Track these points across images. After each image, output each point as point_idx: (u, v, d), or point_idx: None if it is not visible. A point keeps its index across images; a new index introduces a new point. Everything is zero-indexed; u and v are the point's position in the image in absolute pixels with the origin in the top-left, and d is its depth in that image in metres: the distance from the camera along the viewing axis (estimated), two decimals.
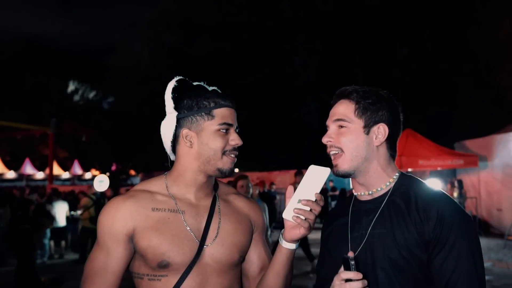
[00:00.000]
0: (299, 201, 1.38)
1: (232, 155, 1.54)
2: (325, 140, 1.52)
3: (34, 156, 33.44)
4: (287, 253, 1.47)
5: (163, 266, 1.44)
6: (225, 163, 1.52)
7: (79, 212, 10.89)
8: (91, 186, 11.65)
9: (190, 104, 1.51)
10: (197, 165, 1.52)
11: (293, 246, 1.46)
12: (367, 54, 24.27)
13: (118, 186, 16.60)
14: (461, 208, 1.40)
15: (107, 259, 1.46)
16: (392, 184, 1.49)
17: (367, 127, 1.47)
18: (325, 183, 1.62)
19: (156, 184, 1.57)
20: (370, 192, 1.51)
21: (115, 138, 33.14)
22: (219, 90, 1.60)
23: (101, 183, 12.16)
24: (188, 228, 1.50)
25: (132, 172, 35.91)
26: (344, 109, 1.50)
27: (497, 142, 12.47)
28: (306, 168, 1.49)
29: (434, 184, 12.60)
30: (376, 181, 1.50)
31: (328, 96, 1.65)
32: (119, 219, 1.46)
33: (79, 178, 33.47)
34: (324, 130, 1.57)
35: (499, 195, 11.89)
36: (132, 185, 28.71)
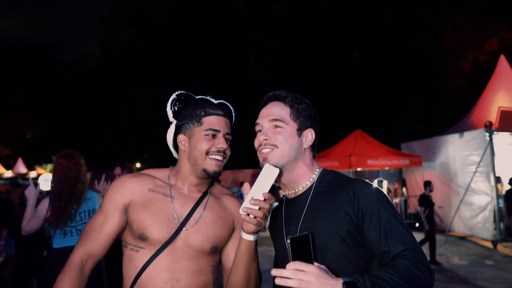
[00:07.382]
0: (252, 199, 1.44)
1: (217, 157, 1.74)
2: (261, 138, 1.60)
3: None
4: (246, 243, 1.57)
5: (142, 238, 1.68)
6: (210, 164, 1.73)
7: None
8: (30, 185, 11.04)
9: (186, 113, 1.79)
10: (188, 165, 1.77)
11: (251, 237, 1.56)
12: (319, 56, 24.79)
13: None
14: (375, 186, 1.53)
15: (104, 221, 1.74)
16: (315, 179, 1.62)
17: (300, 130, 1.62)
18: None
19: (161, 173, 1.85)
20: (296, 191, 1.63)
21: (63, 135, 31.89)
22: (226, 103, 1.86)
23: (46, 182, 11.77)
24: (173, 212, 1.73)
25: None
26: (279, 111, 1.63)
27: (439, 143, 13.14)
28: (258, 167, 1.55)
29: (383, 182, 13.07)
30: (300, 179, 1.62)
31: None
32: (121, 191, 1.75)
33: (23, 177, 31.87)
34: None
35: (441, 194, 12.49)
36: None
